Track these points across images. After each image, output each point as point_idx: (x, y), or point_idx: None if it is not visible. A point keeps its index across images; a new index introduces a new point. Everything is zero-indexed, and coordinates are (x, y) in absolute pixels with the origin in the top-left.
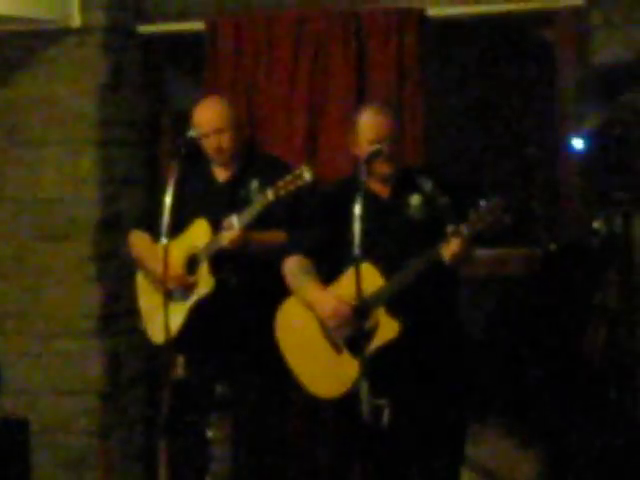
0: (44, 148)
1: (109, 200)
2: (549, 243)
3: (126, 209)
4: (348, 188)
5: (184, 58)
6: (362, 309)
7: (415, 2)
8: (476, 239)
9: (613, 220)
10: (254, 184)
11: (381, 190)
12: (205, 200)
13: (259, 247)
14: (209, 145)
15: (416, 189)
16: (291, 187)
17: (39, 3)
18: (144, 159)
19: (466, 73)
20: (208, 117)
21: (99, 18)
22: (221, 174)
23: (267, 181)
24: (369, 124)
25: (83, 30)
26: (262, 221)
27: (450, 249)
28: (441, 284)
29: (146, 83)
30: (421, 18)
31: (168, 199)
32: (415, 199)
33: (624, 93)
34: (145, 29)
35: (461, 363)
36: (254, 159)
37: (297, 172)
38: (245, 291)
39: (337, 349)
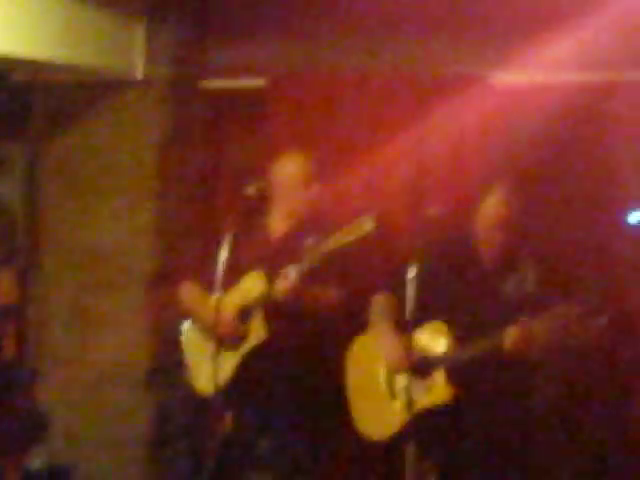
0: (102, 198)
1: (164, 252)
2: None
3: (181, 262)
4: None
5: (245, 113)
6: (422, 366)
7: (480, 68)
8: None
9: None
10: (309, 241)
11: (487, 258)
12: (260, 254)
13: (312, 301)
14: (283, 198)
15: (517, 268)
16: (350, 237)
17: (104, 53)
18: (201, 213)
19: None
20: (289, 170)
21: (163, 71)
22: (277, 229)
23: (322, 238)
24: (486, 204)
25: (146, 82)
26: (317, 277)
27: (510, 337)
28: (501, 366)
29: (206, 137)
30: (485, 84)
31: (224, 253)
32: (513, 278)
33: None
34: (207, 84)
35: (510, 443)
36: (312, 216)
37: (358, 222)
38: (296, 344)
39: (392, 395)
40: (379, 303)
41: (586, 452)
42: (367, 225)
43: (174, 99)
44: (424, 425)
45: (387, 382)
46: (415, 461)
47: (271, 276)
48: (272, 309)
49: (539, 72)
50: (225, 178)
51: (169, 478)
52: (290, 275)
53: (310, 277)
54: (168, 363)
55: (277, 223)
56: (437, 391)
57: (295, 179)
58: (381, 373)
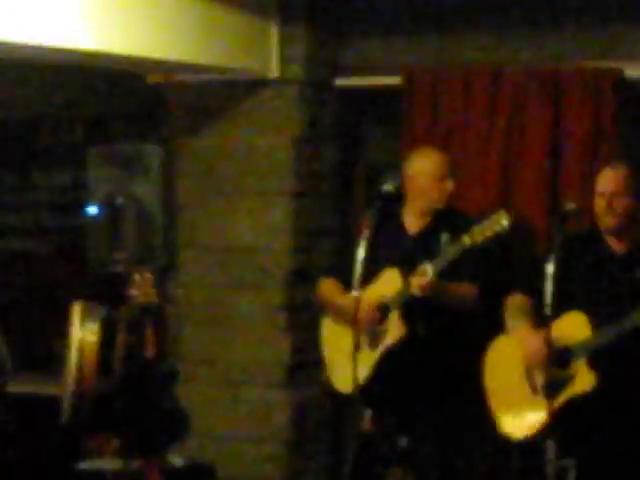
0: (239, 197)
1: (301, 250)
2: None
3: (318, 260)
4: (582, 240)
5: (380, 110)
6: (564, 356)
7: (616, 62)
8: None
9: None
10: (444, 237)
11: (617, 245)
12: (396, 251)
13: (450, 297)
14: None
15: None
16: (488, 233)
17: (239, 54)
18: (337, 210)
19: None
20: (424, 166)
21: (297, 70)
22: (412, 226)
23: (458, 235)
24: (600, 178)
25: (281, 82)
26: (453, 273)
27: None
28: None
29: (341, 135)
30: (619, 79)
31: (361, 251)
32: None
33: None
34: (342, 82)
35: None
36: (447, 213)
37: (494, 217)
38: (434, 341)
39: (534, 391)
40: (514, 303)
41: None
42: (503, 221)
43: (309, 98)
44: (566, 419)
45: (528, 380)
46: (555, 458)
47: (407, 273)
48: (409, 306)
49: None
50: (361, 175)
51: (309, 476)
52: (427, 271)
53: (447, 273)
54: (307, 361)
55: (413, 220)
56: (580, 380)
57: (429, 175)
58: (522, 372)
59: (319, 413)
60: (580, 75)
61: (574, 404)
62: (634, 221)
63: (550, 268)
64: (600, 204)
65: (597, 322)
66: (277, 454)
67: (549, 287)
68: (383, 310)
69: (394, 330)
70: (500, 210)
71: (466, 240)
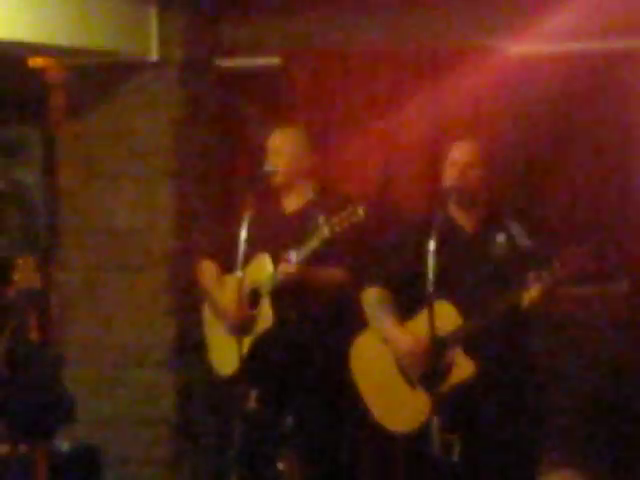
0: (120, 180)
1: (184, 231)
2: (622, 282)
3: (200, 241)
4: (429, 221)
5: (260, 91)
6: (438, 348)
7: (494, 39)
8: (557, 287)
9: None
10: (321, 218)
11: (466, 222)
12: (271, 233)
13: (319, 282)
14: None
15: (502, 228)
16: (345, 224)
17: (118, 36)
18: (219, 192)
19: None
20: (272, 140)
21: (176, 52)
22: (290, 207)
23: (335, 215)
24: (453, 148)
25: (160, 64)
26: (326, 257)
27: (531, 295)
28: (517, 327)
29: (222, 117)
30: (501, 56)
31: (243, 232)
32: (500, 237)
33: None
34: (222, 63)
35: (533, 403)
36: (324, 193)
37: (351, 209)
38: (306, 326)
39: (411, 385)
40: (372, 297)
41: (609, 418)
42: (360, 211)
43: (189, 79)
44: (448, 403)
45: (402, 375)
46: (440, 434)
47: (278, 258)
48: (279, 292)
49: (555, 41)
50: (242, 156)
51: (196, 458)
52: (291, 258)
53: (315, 260)
54: (191, 343)
55: (291, 200)
56: (459, 369)
57: (288, 152)
58: (394, 367)
59: (205, 394)
60: (458, 52)
61: (456, 390)
62: (482, 196)
63: (431, 245)
64: (452, 173)
65: (465, 307)
66: (163, 436)
67: (431, 265)
68: (255, 295)
69: (264, 317)
70: (358, 202)
71: (325, 231)
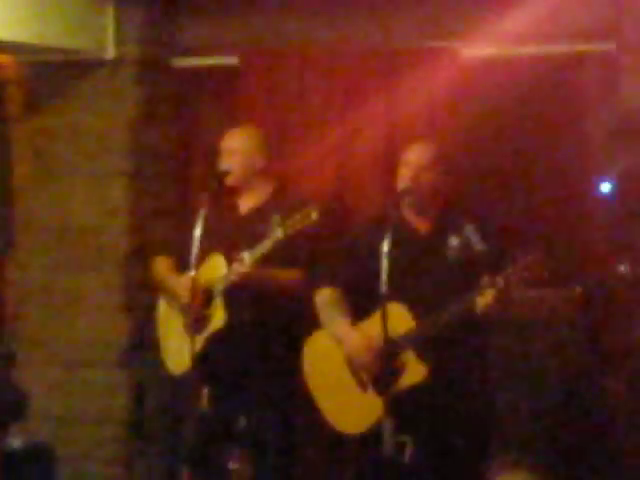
0: (74, 178)
1: (138, 230)
2: (574, 285)
3: (155, 240)
4: (383, 222)
5: (216, 91)
6: (390, 350)
7: (450, 42)
8: (510, 291)
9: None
10: (275, 219)
11: (420, 224)
12: (225, 233)
13: (271, 283)
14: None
15: (456, 231)
16: (299, 226)
17: (74, 34)
18: (174, 190)
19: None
20: (226, 140)
21: (133, 51)
22: (245, 206)
23: (289, 215)
24: (409, 150)
25: (116, 62)
26: (279, 258)
27: (484, 300)
28: (470, 330)
29: (178, 116)
30: (454, 58)
31: (197, 231)
32: (454, 240)
33: None
34: (178, 62)
35: (486, 405)
36: (279, 194)
37: (305, 212)
38: (259, 326)
39: (362, 386)
40: (324, 298)
41: (561, 418)
42: (313, 214)
43: (145, 78)
44: (399, 405)
45: (354, 377)
46: (392, 435)
47: (231, 258)
48: (231, 292)
49: (505, 44)
50: (198, 156)
51: (148, 457)
52: (245, 259)
53: (268, 260)
54: (144, 342)
55: (245, 200)
56: (410, 372)
57: (239, 152)
58: (345, 369)
59: (158, 393)
60: (416, 55)
61: (407, 393)
62: (437, 199)
63: (385, 247)
64: (404, 174)
65: (418, 310)
66: (116, 435)
67: (384, 266)
68: (208, 294)
69: (217, 316)
70: (311, 205)
71: (279, 233)
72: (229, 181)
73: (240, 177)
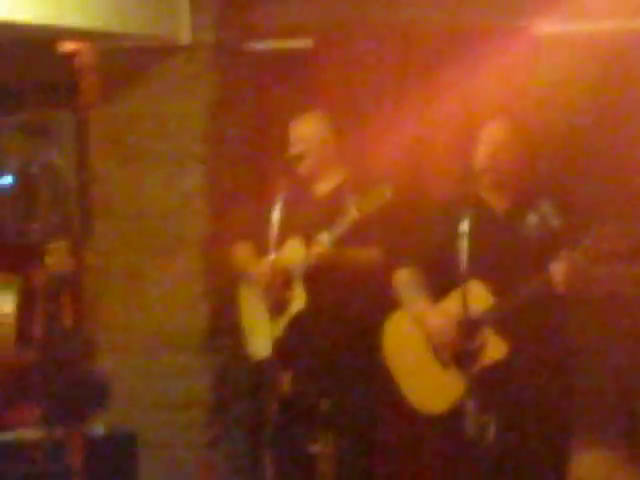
0: (152, 164)
1: (216, 215)
2: None
3: (233, 224)
4: (461, 202)
5: (292, 74)
6: (470, 328)
7: (524, 20)
8: (590, 265)
9: None
10: (350, 199)
11: (497, 202)
12: (302, 216)
13: (350, 264)
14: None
15: (533, 208)
16: (373, 205)
17: (150, 20)
18: (251, 175)
19: None
20: (298, 125)
21: (208, 35)
22: (319, 189)
23: (363, 197)
24: (485, 131)
25: (192, 47)
26: (357, 238)
27: (562, 274)
28: (550, 307)
29: (254, 100)
30: (529, 35)
31: (275, 215)
32: (532, 217)
33: None
34: (254, 46)
35: (568, 383)
36: (354, 175)
37: (378, 190)
38: (339, 308)
39: (444, 365)
40: (403, 278)
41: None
42: (387, 193)
43: (220, 63)
44: (482, 384)
45: (435, 356)
46: (474, 414)
47: (309, 242)
48: (309, 276)
49: (583, 20)
50: (274, 140)
51: (230, 441)
52: (323, 241)
53: (346, 242)
54: (226, 326)
55: (321, 183)
56: (491, 349)
57: (310, 139)
58: (426, 349)
59: (240, 377)
60: (489, 32)
61: (489, 371)
62: (514, 177)
63: (464, 226)
64: (482, 153)
65: (496, 287)
66: (197, 420)
67: (465, 246)
68: (287, 278)
69: (297, 299)
70: (385, 184)
71: (354, 212)
72: (303, 166)
73: (313, 162)
